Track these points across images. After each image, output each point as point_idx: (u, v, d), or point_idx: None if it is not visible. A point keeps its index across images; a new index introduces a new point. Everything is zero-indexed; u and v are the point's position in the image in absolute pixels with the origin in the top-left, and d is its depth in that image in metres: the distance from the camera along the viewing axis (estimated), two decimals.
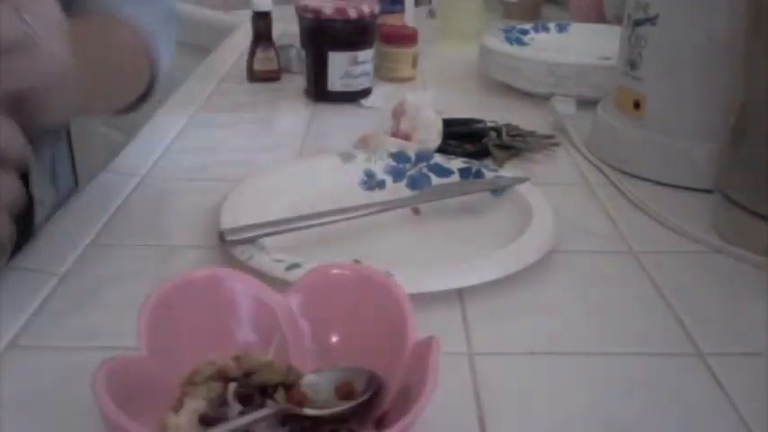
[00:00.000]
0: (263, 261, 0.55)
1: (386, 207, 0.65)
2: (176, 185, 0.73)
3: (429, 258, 0.60)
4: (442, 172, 0.72)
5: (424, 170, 0.73)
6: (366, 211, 0.63)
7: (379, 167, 0.73)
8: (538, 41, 1.16)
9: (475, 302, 0.55)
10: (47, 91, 0.45)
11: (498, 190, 0.69)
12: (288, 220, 0.61)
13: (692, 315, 0.54)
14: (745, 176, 0.63)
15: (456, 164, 0.73)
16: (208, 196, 0.70)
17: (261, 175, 0.70)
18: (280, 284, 0.48)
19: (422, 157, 0.74)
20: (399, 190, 0.71)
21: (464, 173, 0.72)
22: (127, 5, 0.65)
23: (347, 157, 0.73)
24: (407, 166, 0.73)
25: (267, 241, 0.58)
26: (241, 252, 0.57)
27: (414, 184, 0.72)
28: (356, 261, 0.58)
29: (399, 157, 0.74)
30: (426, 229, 0.67)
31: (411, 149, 0.75)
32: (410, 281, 0.52)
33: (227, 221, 0.60)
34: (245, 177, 0.69)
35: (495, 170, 0.72)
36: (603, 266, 0.61)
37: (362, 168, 0.73)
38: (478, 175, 0.71)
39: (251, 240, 0.58)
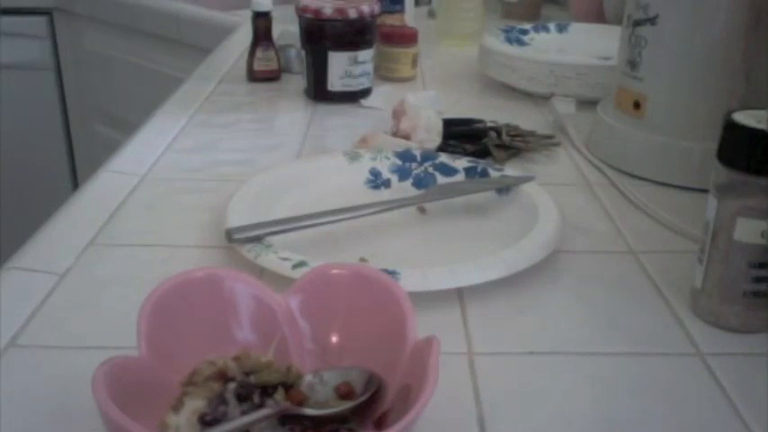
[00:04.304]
0: (269, 259, 0.55)
1: (391, 206, 0.65)
2: (176, 185, 0.73)
3: (435, 257, 0.60)
4: (448, 171, 0.72)
5: (430, 169, 0.73)
6: (372, 210, 0.63)
7: (385, 166, 0.73)
8: (538, 41, 1.16)
9: (475, 302, 0.55)
10: None
11: (504, 189, 0.69)
12: (294, 219, 0.61)
13: (692, 315, 0.54)
14: None
15: (461, 163, 0.73)
16: (208, 196, 0.70)
17: (267, 174, 0.70)
18: (286, 283, 0.48)
19: (427, 156, 0.74)
20: (405, 189, 0.72)
21: (470, 172, 0.72)
22: None
23: (353, 157, 0.74)
24: (413, 165, 0.73)
25: (274, 240, 0.58)
26: (248, 250, 0.57)
27: (419, 183, 0.72)
28: (362, 259, 0.58)
29: (405, 156, 0.74)
30: (432, 227, 0.67)
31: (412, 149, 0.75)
32: (415, 279, 0.52)
33: (234, 220, 0.60)
34: (250, 176, 0.69)
35: (501, 169, 0.72)
36: (603, 266, 0.61)
37: (368, 167, 0.73)
38: (484, 174, 0.71)
39: (258, 239, 0.58)
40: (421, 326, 0.42)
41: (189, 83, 1.06)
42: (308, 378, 0.43)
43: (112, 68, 1.73)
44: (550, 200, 0.66)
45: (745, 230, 0.50)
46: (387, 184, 0.72)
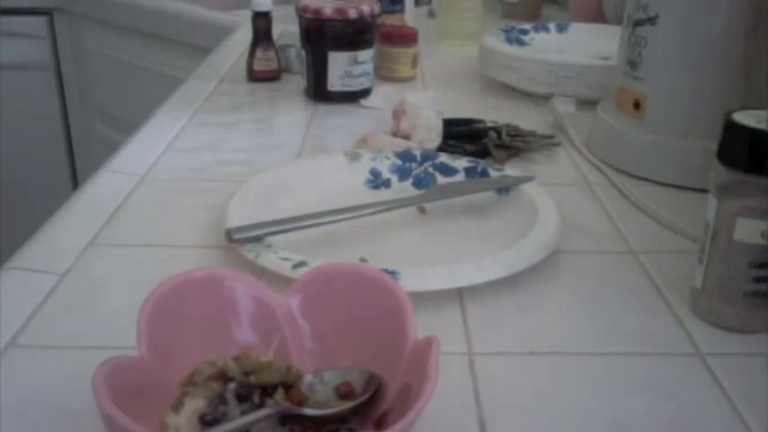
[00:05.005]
0: (269, 259, 0.55)
1: (391, 206, 0.65)
2: (176, 185, 0.73)
3: (435, 257, 0.60)
4: (448, 171, 0.72)
5: (430, 169, 0.73)
6: (372, 210, 0.63)
7: (385, 166, 0.73)
8: (538, 41, 1.16)
9: (475, 302, 0.55)
10: None
11: (504, 189, 0.69)
12: (294, 219, 0.61)
13: (692, 315, 0.54)
14: None
15: (461, 163, 0.73)
16: (208, 196, 0.70)
17: (267, 174, 0.70)
18: (286, 283, 0.48)
19: (427, 156, 0.74)
20: (405, 189, 0.72)
21: (470, 172, 0.72)
22: None
23: (353, 157, 0.74)
24: (413, 165, 0.73)
25: (274, 240, 0.58)
26: (248, 250, 0.57)
27: (419, 183, 0.72)
28: (362, 259, 0.58)
29: (405, 156, 0.74)
30: (432, 227, 0.67)
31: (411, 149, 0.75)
32: (415, 279, 0.52)
33: (234, 220, 0.60)
34: (250, 176, 0.69)
35: (501, 169, 0.72)
36: (603, 266, 0.61)
37: (368, 167, 0.73)
38: (484, 174, 0.71)
39: (258, 239, 0.58)
40: (421, 326, 0.42)
41: (189, 83, 1.06)
42: (308, 378, 0.43)
43: (112, 68, 1.73)
44: (550, 200, 0.66)
45: (745, 230, 0.50)
46: (387, 184, 0.72)
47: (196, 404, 0.40)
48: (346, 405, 0.41)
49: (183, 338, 0.42)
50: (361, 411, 0.41)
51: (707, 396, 0.46)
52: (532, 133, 0.86)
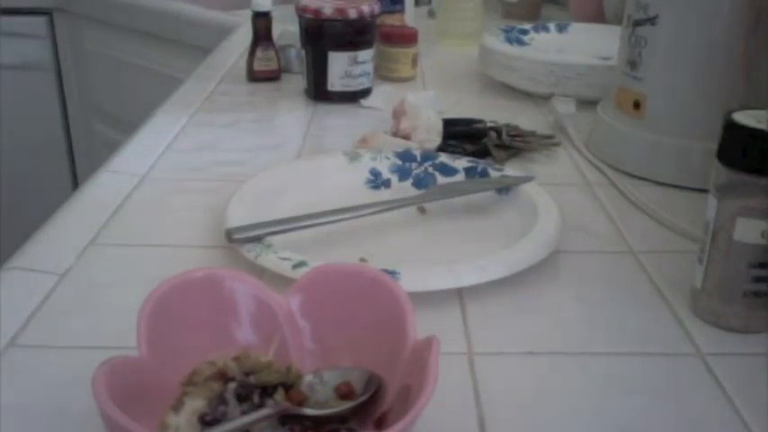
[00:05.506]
0: (269, 259, 0.55)
1: (391, 206, 0.65)
2: (176, 185, 0.73)
3: (435, 257, 0.60)
4: (448, 171, 0.72)
5: (430, 169, 0.73)
6: (372, 210, 0.63)
7: (385, 166, 0.73)
8: (538, 41, 1.16)
9: (475, 302, 0.55)
10: None
11: (504, 189, 0.69)
12: (294, 219, 0.61)
13: (692, 315, 0.54)
14: None
15: (461, 163, 0.73)
16: (208, 196, 0.70)
17: (267, 174, 0.70)
18: (286, 283, 0.48)
19: (427, 156, 0.74)
20: (405, 189, 0.72)
21: (470, 172, 0.72)
22: None
23: (353, 157, 0.74)
24: (413, 165, 0.73)
25: (274, 240, 0.58)
26: (248, 250, 0.57)
27: (419, 183, 0.72)
28: (362, 259, 0.58)
29: (405, 156, 0.74)
30: (432, 227, 0.67)
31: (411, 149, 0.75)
32: (415, 280, 0.52)
33: (234, 220, 0.60)
34: (249, 176, 0.69)
35: (501, 169, 0.72)
36: (603, 266, 0.61)
37: (368, 167, 0.73)
38: (484, 174, 0.71)
39: (258, 239, 0.58)
40: (421, 326, 0.42)
41: (189, 83, 1.06)
42: (308, 378, 0.43)
43: (112, 68, 1.73)
44: (550, 200, 0.66)
45: (745, 230, 0.50)
46: (387, 184, 0.72)
47: (196, 404, 0.40)
48: (346, 405, 0.41)
49: (183, 338, 0.42)
50: (361, 411, 0.41)
51: (707, 396, 0.46)
52: (532, 133, 0.86)
